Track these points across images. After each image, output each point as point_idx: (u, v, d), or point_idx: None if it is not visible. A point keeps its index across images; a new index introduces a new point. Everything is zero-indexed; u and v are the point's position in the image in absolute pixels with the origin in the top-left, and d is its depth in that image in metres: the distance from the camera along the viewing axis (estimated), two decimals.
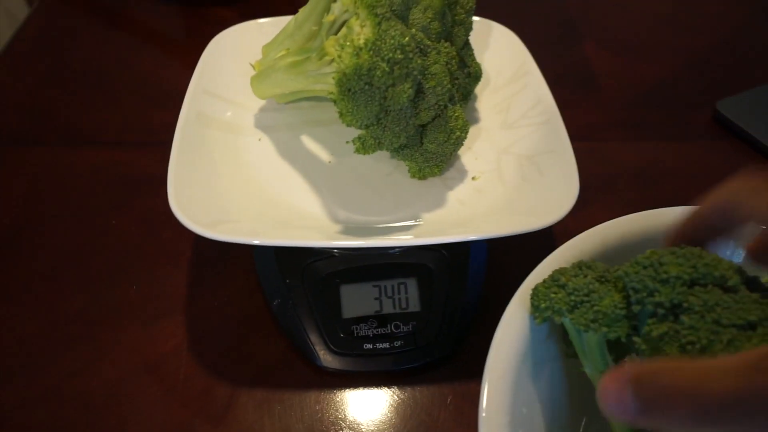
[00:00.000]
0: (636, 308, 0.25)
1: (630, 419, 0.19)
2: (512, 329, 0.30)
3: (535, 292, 0.29)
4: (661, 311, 0.24)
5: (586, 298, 0.26)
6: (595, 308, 0.26)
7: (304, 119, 0.44)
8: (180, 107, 0.41)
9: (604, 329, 0.26)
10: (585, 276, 0.28)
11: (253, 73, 0.43)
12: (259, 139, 0.43)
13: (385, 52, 0.32)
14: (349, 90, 0.33)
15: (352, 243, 0.35)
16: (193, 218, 0.34)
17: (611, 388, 0.20)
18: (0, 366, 0.38)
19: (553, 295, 0.28)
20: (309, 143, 0.43)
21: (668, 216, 0.34)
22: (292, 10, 0.47)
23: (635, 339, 0.25)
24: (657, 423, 0.19)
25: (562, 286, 0.28)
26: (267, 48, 0.43)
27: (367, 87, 0.32)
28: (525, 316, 0.30)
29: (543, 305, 0.28)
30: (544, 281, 0.29)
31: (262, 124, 0.44)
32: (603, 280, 0.27)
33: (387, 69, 0.32)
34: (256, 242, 0.34)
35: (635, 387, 0.19)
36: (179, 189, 0.35)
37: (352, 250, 0.39)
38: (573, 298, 0.27)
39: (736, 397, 0.17)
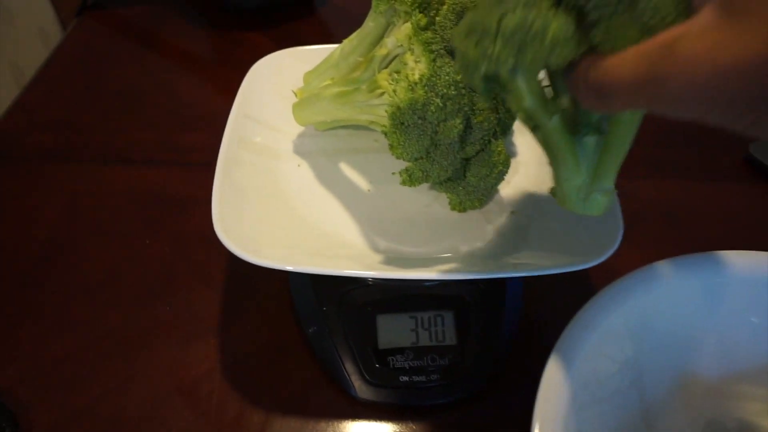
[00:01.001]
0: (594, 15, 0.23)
1: (589, 104, 0.23)
2: (561, 371, 0.29)
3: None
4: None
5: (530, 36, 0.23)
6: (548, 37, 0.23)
7: (342, 146, 0.45)
8: (211, 129, 0.42)
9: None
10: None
11: (294, 99, 0.44)
12: (299, 165, 0.43)
13: (440, 88, 0.32)
14: (402, 123, 0.33)
15: (390, 274, 0.35)
16: (237, 242, 0.34)
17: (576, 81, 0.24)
18: (33, 385, 0.38)
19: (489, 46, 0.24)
20: (347, 170, 0.43)
21: (718, 260, 0.34)
22: (322, 38, 0.48)
23: (593, 34, 0.23)
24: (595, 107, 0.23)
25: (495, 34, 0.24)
26: (309, 75, 0.43)
27: (420, 121, 0.33)
28: (573, 357, 0.30)
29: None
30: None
31: (301, 150, 0.44)
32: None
33: (441, 104, 0.32)
34: (294, 269, 0.34)
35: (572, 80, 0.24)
36: (223, 212, 0.35)
37: (389, 280, 0.39)
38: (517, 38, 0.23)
39: (627, 85, 0.20)
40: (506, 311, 0.39)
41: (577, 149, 0.30)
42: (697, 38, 0.17)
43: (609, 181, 0.31)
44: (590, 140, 0.30)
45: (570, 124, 0.29)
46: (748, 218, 0.51)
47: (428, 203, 0.41)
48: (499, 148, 0.39)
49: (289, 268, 0.34)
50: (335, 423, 0.37)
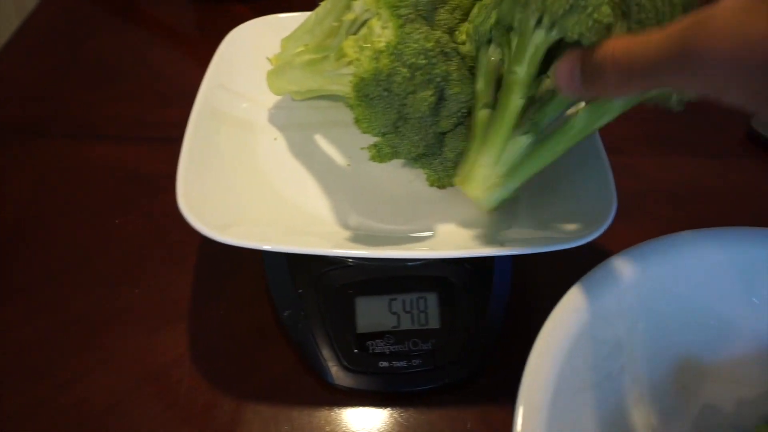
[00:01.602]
0: None
1: (577, 92, 0.26)
2: (548, 354, 0.27)
3: None
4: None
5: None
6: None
7: (321, 119, 0.42)
8: (191, 105, 0.39)
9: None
10: None
11: (270, 68, 0.41)
12: (275, 138, 0.41)
13: (407, 57, 0.30)
14: (367, 95, 0.31)
15: (369, 253, 0.32)
16: (202, 219, 0.32)
17: (563, 68, 0.26)
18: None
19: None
20: (326, 145, 0.41)
21: (714, 237, 0.32)
22: (309, 7, 0.45)
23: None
24: (597, 91, 0.25)
25: None
26: (286, 42, 0.41)
27: (385, 93, 0.30)
28: (560, 340, 0.28)
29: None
30: None
31: (278, 123, 0.42)
32: None
33: (408, 75, 0.30)
34: (268, 248, 0.32)
35: (581, 63, 0.25)
36: (189, 187, 0.33)
37: (369, 260, 0.37)
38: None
39: (655, 61, 0.21)
40: (493, 293, 0.37)
41: (507, 143, 0.31)
42: (730, 13, 0.19)
43: (517, 184, 0.33)
44: (523, 140, 0.31)
45: (520, 115, 0.31)
46: (752, 194, 0.49)
47: (411, 179, 0.39)
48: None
49: (261, 246, 0.32)
50: (311, 411, 0.35)
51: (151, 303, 0.39)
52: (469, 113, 0.34)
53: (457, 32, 0.34)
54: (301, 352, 0.36)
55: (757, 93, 0.19)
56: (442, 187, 0.38)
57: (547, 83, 0.31)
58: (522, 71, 0.30)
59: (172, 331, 0.38)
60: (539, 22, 0.28)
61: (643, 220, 0.46)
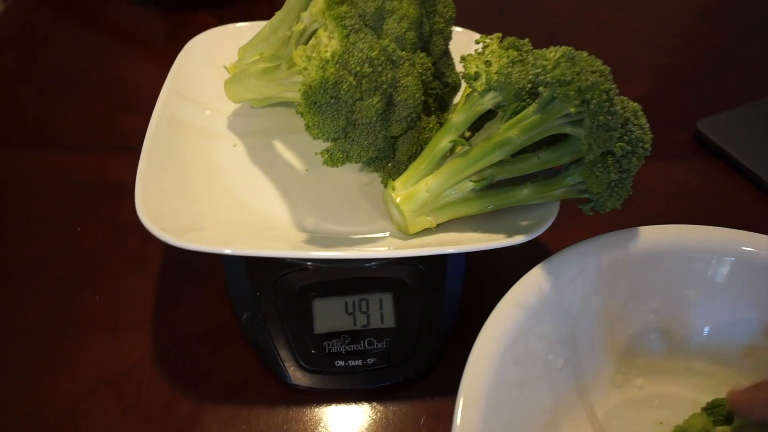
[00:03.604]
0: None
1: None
2: (488, 348, 0.29)
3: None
4: None
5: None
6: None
7: (280, 125, 0.43)
8: (151, 112, 0.40)
9: None
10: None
11: (228, 76, 0.42)
12: (234, 145, 0.41)
13: (353, 66, 0.31)
14: (315, 103, 0.32)
15: (326, 254, 0.33)
16: (161, 225, 0.32)
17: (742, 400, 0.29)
18: None
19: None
20: (285, 151, 0.42)
21: (653, 234, 0.34)
22: (269, 17, 0.46)
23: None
24: None
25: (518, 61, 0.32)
26: (243, 50, 0.41)
27: (333, 101, 0.31)
28: (501, 335, 0.29)
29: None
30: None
31: (237, 130, 0.43)
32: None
33: (354, 83, 0.31)
34: (226, 251, 0.32)
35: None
36: (147, 194, 0.34)
37: (325, 262, 0.38)
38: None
39: None
40: (446, 292, 0.38)
41: (458, 181, 0.33)
42: None
43: (443, 219, 0.35)
44: (470, 185, 0.33)
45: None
46: (698, 193, 0.51)
47: (367, 182, 0.40)
48: (431, 125, 0.37)
49: (218, 250, 0.32)
50: (269, 411, 0.35)
51: (111, 308, 0.40)
52: (419, 120, 0.35)
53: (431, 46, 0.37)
54: (259, 353, 0.37)
55: None
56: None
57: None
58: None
59: (132, 335, 0.38)
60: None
61: (591, 219, 0.48)
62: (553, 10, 0.71)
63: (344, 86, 0.30)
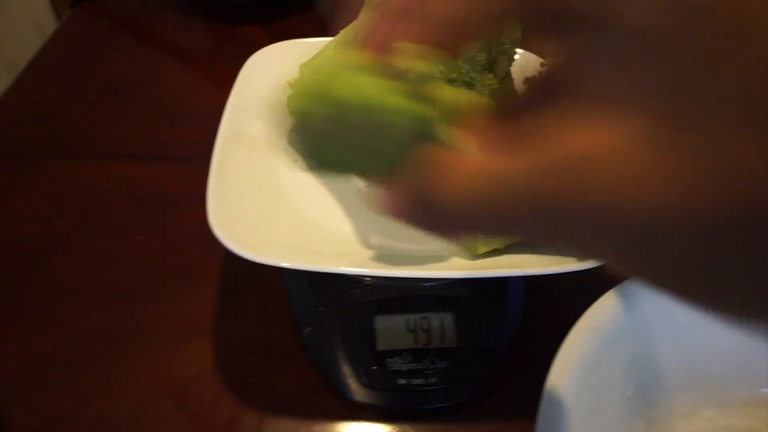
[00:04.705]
0: None
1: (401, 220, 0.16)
2: (566, 375, 0.28)
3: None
4: None
5: None
6: None
7: None
8: (204, 125, 0.40)
9: None
10: None
11: (289, 92, 0.43)
12: (295, 160, 0.42)
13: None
14: None
15: (389, 272, 0.34)
16: (233, 238, 0.32)
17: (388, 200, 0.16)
18: (14, 387, 0.36)
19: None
20: None
21: None
22: (319, 33, 0.47)
23: None
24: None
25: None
26: (305, 67, 0.42)
27: None
28: (578, 361, 0.29)
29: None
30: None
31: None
32: None
33: None
34: (298, 267, 0.32)
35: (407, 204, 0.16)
36: (218, 206, 0.34)
37: (388, 279, 0.38)
38: None
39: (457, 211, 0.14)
40: (508, 313, 0.38)
41: None
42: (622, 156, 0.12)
43: (511, 240, 0.34)
44: None
45: None
46: None
47: None
48: None
49: (288, 265, 0.32)
50: (330, 426, 0.35)
51: (170, 318, 0.40)
52: None
53: None
54: (320, 368, 0.37)
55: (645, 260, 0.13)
56: None
57: None
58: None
59: (192, 345, 0.39)
60: None
61: None
62: None
63: None
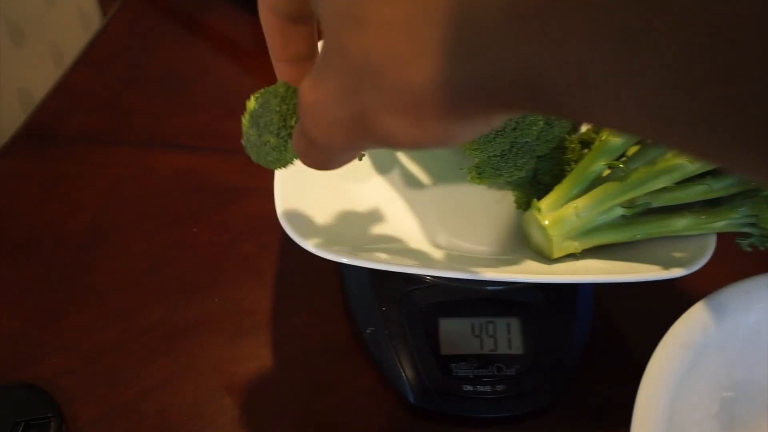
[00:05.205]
0: None
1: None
2: (656, 391, 0.27)
3: None
4: None
5: None
6: None
7: None
8: None
9: None
10: None
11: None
12: (359, 158, 0.41)
13: None
14: None
15: (455, 273, 0.32)
16: (300, 232, 0.32)
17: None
18: (77, 377, 0.36)
19: None
20: (410, 164, 0.41)
21: None
22: None
23: None
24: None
25: None
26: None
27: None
28: (668, 377, 0.27)
29: None
30: None
31: None
32: None
33: None
34: (365, 264, 0.31)
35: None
36: (285, 201, 0.33)
37: (453, 281, 0.37)
38: None
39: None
40: (578, 321, 0.36)
41: (609, 207, 0.32)
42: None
43: (588, 245, 0.33)
44: (619, 211, 0.32)
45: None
46: None
47: (498, 199, 0.39)
48: (573, 145, 0.36)
49: (352, 261, 0.31)
50: (390, 430, 0.34)
51: (228, 313, 0.40)
52: (562, 145, 0.34)
53: None
54: (382, 369, 0.36)
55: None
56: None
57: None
58: None
59: (251, 342, 0.38)
60: None
61: (729, 255, 0.45)
62: None
63: None
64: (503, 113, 0.16)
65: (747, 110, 0.10)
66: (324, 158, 0.20)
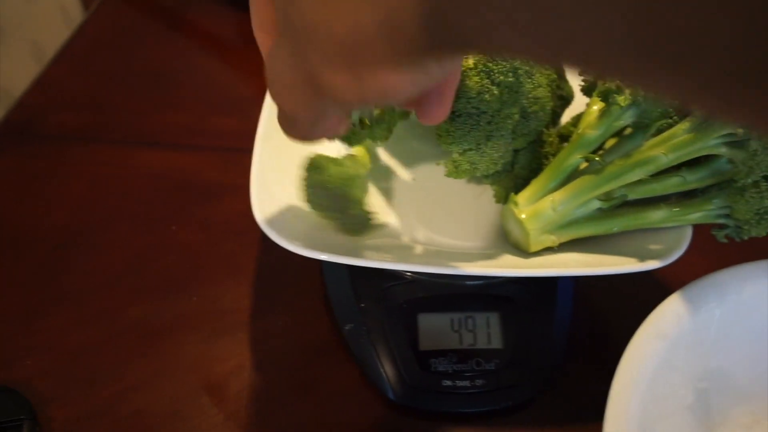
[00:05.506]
0: None
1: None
2: (631, 383, 0.27)
3: None
4: None
5: None
6: None
7: None
8: (241, 114, 0.40)
9: None
10: None
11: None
12: (339, 152, 0.41)
13: (496, 75, 0.30)
14: (454, 113, 0.30)
15: (434, 268, 0.32)
16: (276, 230, 0.31)
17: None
18: (52, 378, 0.35)
19: None
20: (389, 159, 0.41)
21: None
22: None
23: None
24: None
25: None
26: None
27: (474, 111, 0.30)
28: (642, 368, 0.27)
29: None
30: None
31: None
32: None
33: (497, 93, 0.30)
34: (342, 261, 0.31)
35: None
36: (261, 198, 0.33)
37: (432, 276, 0.36)
38: None
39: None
40: (557, 315, 0.36)
41: (586, 200, 0.32)
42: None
43: (565, 239, 0.33)
44: (596, 204, 0.32)
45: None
46: None
47: (477, 194, 0.39)
48: (551, 138, 0.36)
49: (329, 258, 0.31)
50: (370, 427, 0.34)
51: (207, 312, 0.39)
52: (540, 138, 0.34)
53: None
54: (362, 366, 0.36)
55: None
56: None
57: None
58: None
59: (229, 340, 0.38)
60: None
61: (705, 247, 0.45)
62: None
63: (487, 96, 0.29)
64: (428, 57, 0.16)
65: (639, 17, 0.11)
66: (300, 127, 0.22)
